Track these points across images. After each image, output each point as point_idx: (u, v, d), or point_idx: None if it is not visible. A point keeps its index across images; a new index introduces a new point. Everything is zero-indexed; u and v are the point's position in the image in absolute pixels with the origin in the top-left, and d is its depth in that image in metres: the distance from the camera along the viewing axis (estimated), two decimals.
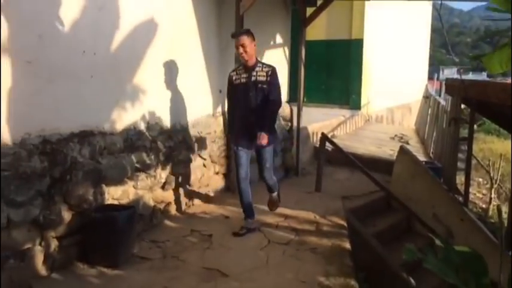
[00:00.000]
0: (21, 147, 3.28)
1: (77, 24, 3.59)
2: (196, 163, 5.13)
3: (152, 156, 4.48)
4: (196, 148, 5.12)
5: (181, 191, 4.91)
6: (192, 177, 5.06)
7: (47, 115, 3.46)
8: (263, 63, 4.24)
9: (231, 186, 5.57)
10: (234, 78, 4.27)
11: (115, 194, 4.05)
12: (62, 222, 3.53)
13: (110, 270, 3.48)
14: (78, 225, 3.64)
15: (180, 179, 4.88)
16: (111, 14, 3.92)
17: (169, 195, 4.73)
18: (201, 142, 5.20)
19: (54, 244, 3.49)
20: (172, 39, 4.62)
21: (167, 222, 4.56)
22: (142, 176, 4.36)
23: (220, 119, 5.55)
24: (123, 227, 3.57)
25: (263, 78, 4.12)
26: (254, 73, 4.14)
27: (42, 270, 3.38)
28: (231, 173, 5.55)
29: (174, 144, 4.79)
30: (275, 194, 4.66)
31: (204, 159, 5.27)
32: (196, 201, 5.14)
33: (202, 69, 5.18)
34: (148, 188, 4.45)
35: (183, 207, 4.95)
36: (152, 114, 4.51)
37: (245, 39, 4.04)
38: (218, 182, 5.58)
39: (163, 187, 4.66)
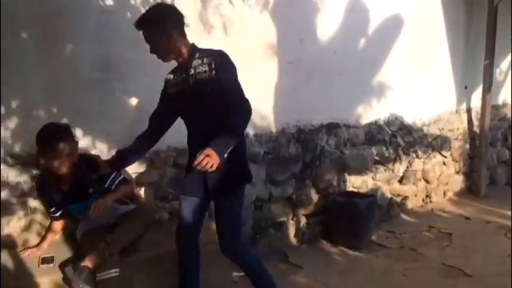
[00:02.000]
0: (282, 135, 3.85)
1: (330, 27, 4.00)
2: (435, 160, 5.02)
3: (391, 150, 4.61)
4: (436, 145, 5.01)
5: (419, 186, 4.89)
6: (431, 174, 4.97)
7: (302, 108, 3.95)
8: (203, 51, 2.34)
9: (472, 187, 5.25)
10: (167, 85, 2.45)
11: (355, 183, 4.34)
12: (310, 202, 3.99)
13: (351, 251, 3.77)
14: (323, 206, 4.05)
15: (418, 175, 4.86)
16: (360, 15, 4.21)
17: (406, 189, 4.77)
18: (442, 139, 5.06)
19: (303, 220, 3.98)
20: (415, 34, 4.62)
21: (403, 216, 4.62)
22: (381, 168, 4.54)
23: (464, 116, 5.28)
24: (364, 213, 3.81)
25: (204, 75, 2.25)
26: (191, 71, 2.29)
27: (293, 241, 3.91)
28: (473, 173, 5.22)
29: (413, 140, 4.81)
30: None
31: (445, 157, 5.11)
32: (434, 198, 5.04)
33: (446, 64, 5.02)
34: (386, 180, 4.59)
35: (420, 202, 4.92)
36: (393, 109, 4.62)
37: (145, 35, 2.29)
38: (458, 182, 5.33)
39: (400, 181, 4.73)
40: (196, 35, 3.24)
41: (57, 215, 2.62)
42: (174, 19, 2.27)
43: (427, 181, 4.97)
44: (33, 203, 2.73)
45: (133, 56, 2.96)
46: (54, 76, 2.71)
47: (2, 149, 2.60)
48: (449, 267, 3.45)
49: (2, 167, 2.59)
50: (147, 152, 2.65)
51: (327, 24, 3.97)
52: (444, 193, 5.15)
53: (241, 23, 3.48)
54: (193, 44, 2.36)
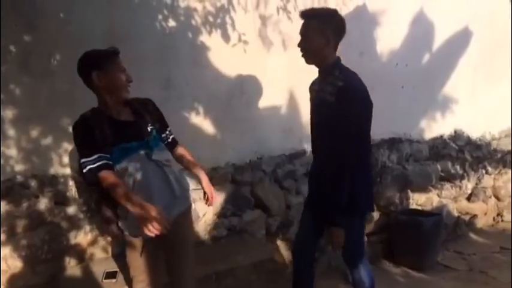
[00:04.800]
0: None
1: (392, 40, 3.89)
2: (507, 176, 4.71)
3: (457, 166, 4.39)
4: (507, 160, 4.71)
5: (489, 204, 4.60)
6: (502, 191, 4.67)
7: None
8: (343, 70, 2.23)
9: None
10: (309, 89, 2.48)
11: (419, 200, 4.15)
12: (371, 220, 3.86)
13: (414, 273, 3.59)
14: (384, 224, 3.91)
15: (488, 192, 4.58)
16: (425, 27, 4.06)
17: (475, 207, 4.51)
18: None
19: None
20: (484, 45, 4.40)
21: (472, 236, 4.36)
22: (446, 185, 4.32)
23: None
24: (429, 232, 3.63)
25: (328, 97, 2.18)
26: (323, 85, 2.26)
27: None
28: None
29: (482, 155, 4.55)
30: None
31: None
32: (506, 217, 4.71)
33: None
34: (453, 197, 4.37)
35: (491, 221, 4.63)
36: (459, 123, 4.41)
37: (308, 25, 2.25)
38: None
39: (468, 198, 4.49)
40: (256, 51, 3.30)
41: (96, 165, 1.89)
42: (339, 27, 2.24)
43: (498, 198, 4.67)
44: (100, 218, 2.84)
45: (193, 74, 3.04)
46: None
47: (70, 167, 2.73)
48: None
49: (70, 183, 2.72)
50: None
51: (388, 37, 3.87)
52: None
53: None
54: (338, 58, 2.30)
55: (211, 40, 3.10)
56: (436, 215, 3.84)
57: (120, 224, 2.04)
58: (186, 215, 2.18)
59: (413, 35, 3.99)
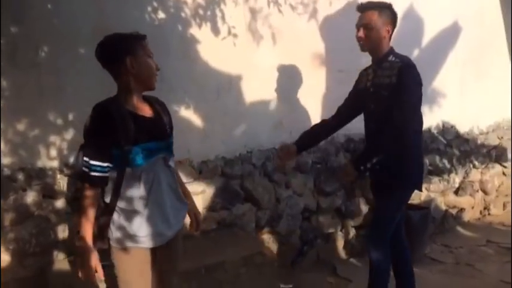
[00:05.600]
0: (331, 144, 3.79)
1: None
2: (494, 170, 4.77)
3: (445, 160, 4.42)
4: (495, 154, 4.76)
5: (476, 198, 4.66)
6: (489, 185, 4.72)
7: None
8: (397, 55, 2.47)
9: None
10: (358, 79, 2.72)
11: None
12: (359, 214, 3.89)
13: None
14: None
15: (475, 186, 4.63)
16: (414, 23, 4.08)
17: (463, 201, 4.56)
18: (501, 148, 4.80)
19: (352, 232, 3.88)
20: (474, 40, 4.44)
21: (460, 229, 4.41)
22: (435, 179, 4.36)
23: None
24: (417, 226, 3.66)
25: (386, 80, 2.40)
26: (379, 71, 2.47)
27: (342, 253, 3.82)
28: None
29: (470, 149, 4.59)
30: None
31: (504, 166, 4.84)
32: (493, 211, 4.78)
33: (506, 69, 4.78)
34: (441, 191, 4.41)
35: (478, 215, 4.69)
36: (448, 117, 4.44)
37: (371, 16, 2.42)
38: None
39: (456, 192, 4.53)
40: (246, 45, 3.30)
41: (99, 175, 1.72)
42: (395, 19, 2.49)
43: (485, 192, 4.73)
44: None
45: (182, 67, 3.02)
46: (109, 88, 2.79)
47: (58, 159, 2.71)
48: (509, 285, 3.25)
49: (58, 176, 2.70)
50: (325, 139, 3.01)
51: None
52: (504, 205, 4.86)
53: (290, 33, 3.47)
54: (391, 47, 2.52)
55: (201, 33, 3.09)
56: (424, 208, 3.88)
57: (111, 229, 1.80)
58: (181, 231, 2.01)
59: (402, 30, 3.99)
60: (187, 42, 3.04)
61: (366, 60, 3.78)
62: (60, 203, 2.71)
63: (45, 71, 2.60)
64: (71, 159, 2.70)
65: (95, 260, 1.72)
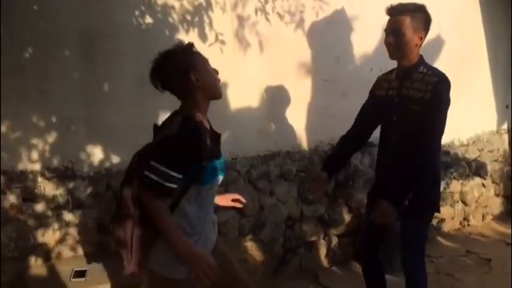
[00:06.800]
0: (315, 152, 3.81)
1: (366, 46, 3.94)
2: (474, 182, 4.84)
3: None
4: (474, 166, 4.84)
5: (456, 208, 4.72)
6: (469, 196, 4.80)
7: (337, 125, 3.83)
8: (429, 67, 2.30)
9: None
10: (377, 86, 2.51)
11: None
12: (342, 222, 3.91)
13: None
14: (355, 226, 3.95)
15: (455, 197, 4.70)
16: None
17: (443, 211, 4.59)
18: (481, 160, 4.88)
19: (335, 240, 3.90)
20: (454, 52, 4.51)
21: (440, 239, 4.46)
22: None
23: (506, 137, 5.10)
24: (397, 234, 3.69)
25: (419, 94, 2.20)
26: (408, 83, 2.27)
27: (324, 262, 3.82)
28: None
29: (450, 160, 4.66)
30: None
31: (484, 178, 4.92)
32: (473, 222, 4.84)
33: (486, 82, 4.87)
34: None
35: (458, 226, 4.75)
36: None
37: (402, 21, 2.19)
38: (498, 205, 5.12)
39: None
40: (233, 52, 3.30)
41: (170, 185, 1.61)
42: (429, 25, 2.26)
43: (465, 203, 4.80)
44: (68, 216, 2.78)
45: None
46: (93, 92, 2.77)
47: (40, 162, 2.67)
48: None
49: (39, 180, 2.65)
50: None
51: (363, 42, 3.92)
52: (483, 216, 4.95)
53: (277, 41, 3.48)
54: (421, 55, 2.30)
55: (188, 38, 3.06)
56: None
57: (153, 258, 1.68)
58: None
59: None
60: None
61: (352, 69, 3.87)
62: (40, 207, 2.66)
63: (29, 73, 2.57)
64: (54, 162, 2.67)
65: (209, 257, 1.63)
